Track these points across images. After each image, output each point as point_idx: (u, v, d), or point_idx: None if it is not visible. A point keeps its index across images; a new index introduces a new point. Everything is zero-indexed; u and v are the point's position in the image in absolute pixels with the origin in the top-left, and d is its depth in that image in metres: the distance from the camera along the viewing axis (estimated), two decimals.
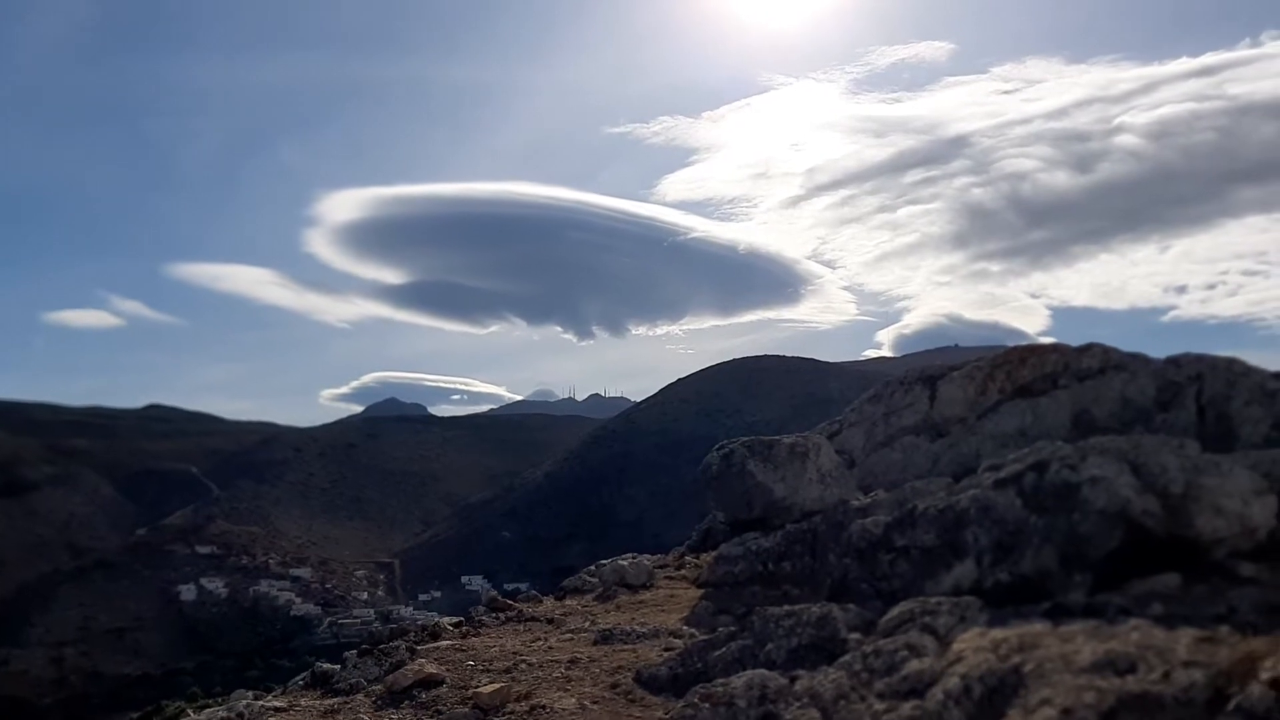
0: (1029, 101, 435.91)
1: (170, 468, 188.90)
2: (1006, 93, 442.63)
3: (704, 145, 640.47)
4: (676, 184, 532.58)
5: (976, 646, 5.71)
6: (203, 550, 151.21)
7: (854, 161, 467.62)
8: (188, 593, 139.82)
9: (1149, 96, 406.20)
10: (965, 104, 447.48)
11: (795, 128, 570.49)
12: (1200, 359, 9.47)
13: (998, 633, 5.97)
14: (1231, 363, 9.30)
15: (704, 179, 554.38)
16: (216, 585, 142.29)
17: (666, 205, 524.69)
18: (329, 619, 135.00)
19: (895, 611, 6.42)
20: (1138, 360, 9.90)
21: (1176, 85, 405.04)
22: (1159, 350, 10.02)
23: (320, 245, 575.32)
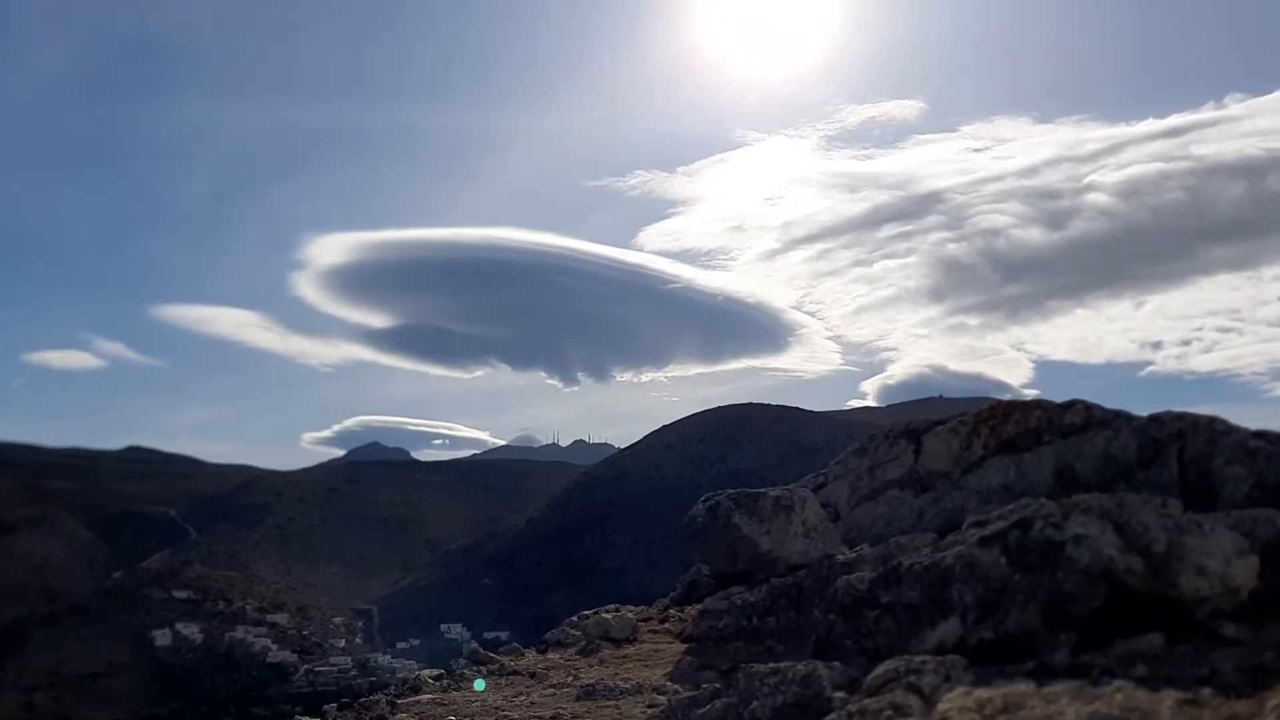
0: (999, 159, 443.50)
1: (148, 510, 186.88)
2: (977, 150, 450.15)
3: (680, 199, 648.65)
4: (654, 236, 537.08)
5: (961, 706, 5.70)
6: (179, 595, 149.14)
7: (829, 216, 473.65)
8: (162, 638, 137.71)
9: (1117, 156, 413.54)
10: (936, 161, 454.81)
11: (769, 182, 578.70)
12: (1182, 417, 9.54)
13: (983, 693, 5.95)
14: (1213, 421, 9.37)
15: (681, 231, 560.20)
16: (192, 630, 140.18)
17: (648, 254, 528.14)
18: (305, 666, 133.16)
19: (880, 670, 6.40)
20: (1120, 418, 9.97)
21: (1144, 146, 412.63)
22: (1140, 404, 10.16)
23: (307, 288, 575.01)
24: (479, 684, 8.35)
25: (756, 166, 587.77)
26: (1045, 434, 10.34)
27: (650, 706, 7.57)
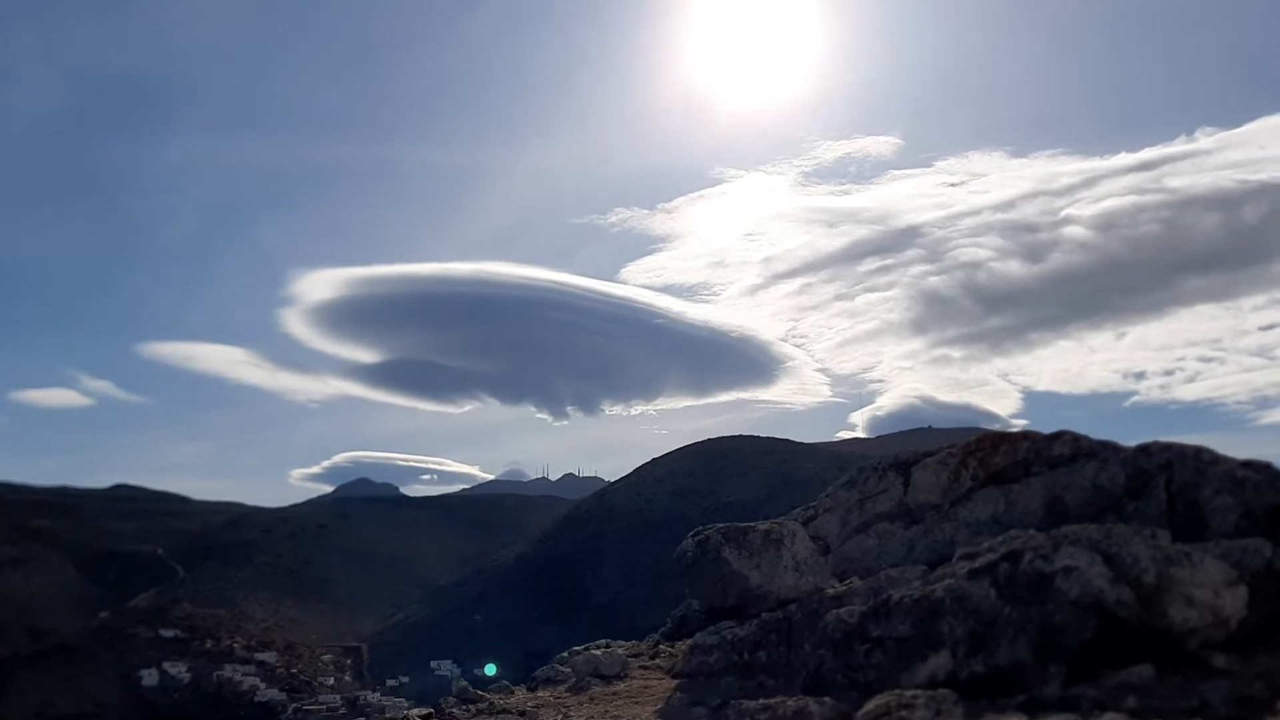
0: (976, 194, 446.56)
1: (135, 549, 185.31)
2: (953, 185, 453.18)
3: (661, 235, 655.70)
4: (637, 272, 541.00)
5: None
6: (166, 634, 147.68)
7: (808, 251, 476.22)
8: (149, 678, 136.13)
9: (1092, 190, 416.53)
10: (913, 196, 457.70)
11: (749, 218, 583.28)
12: (1169, 447, 9.57)
13: None
14: (1200, 451, 9.40)
15: (664, 268, 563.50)
16: (179, 670, 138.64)
17: (635, 288, 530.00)
18: (294, 705, 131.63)
19: (871, 705, 6.38)
20: (1108, 448, 10.00)
21: (1118, 179, 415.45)
22: (1126, 434, 10.17)
23: (295, 324, 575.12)
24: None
25: (735, 203, 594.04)
26: (1034, 465, 10.36)
27: None
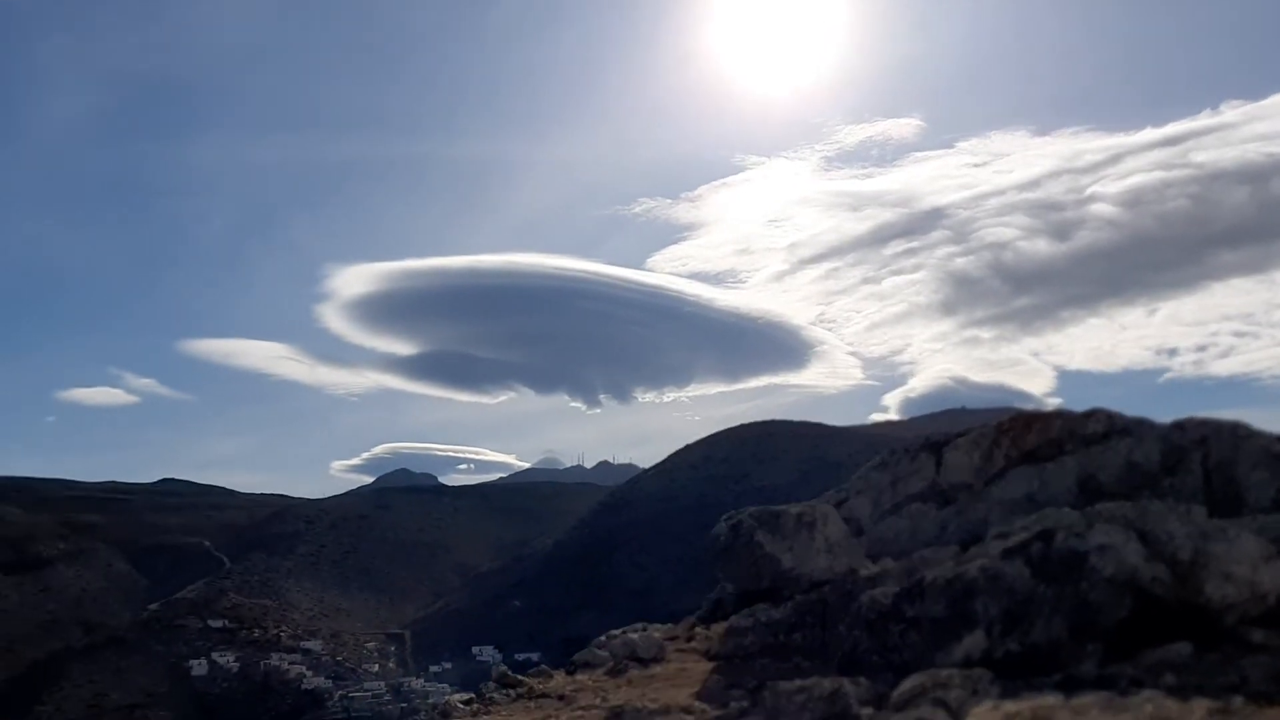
0: (1000, 174, 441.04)
1: (182, 542, 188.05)
2: (976, 165, 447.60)
3: (686, 224, 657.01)
4: (662, 261, 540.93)
5: None
6: (214, 624, 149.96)
7: (834, 235, 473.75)
8: (199, 668, 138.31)
9: (1117, 166, 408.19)
10: (937, 177, 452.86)
11: (772, 205, 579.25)
12: (1205, 423, 9.48)
13: (1010, 706, 5.95)
14: (1236, 426, 9.30)
15: (689, 256, 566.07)
16: (228, 659, 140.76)
17: (665, 275, 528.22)
18: (340, 692, 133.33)
19: (907, 685, 6.40)
20: (1143, 425, 9.91)
21: (1143, 155, 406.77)
22: (1161, 411, 10.09)
23: (333, 319, 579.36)
24: None
25: (758, 190, 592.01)
26: (1067, 443, 10.30)
27: None
